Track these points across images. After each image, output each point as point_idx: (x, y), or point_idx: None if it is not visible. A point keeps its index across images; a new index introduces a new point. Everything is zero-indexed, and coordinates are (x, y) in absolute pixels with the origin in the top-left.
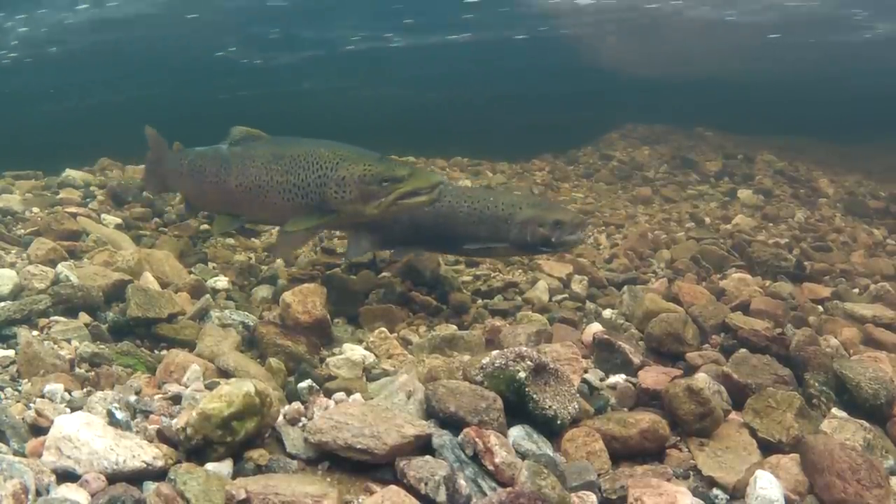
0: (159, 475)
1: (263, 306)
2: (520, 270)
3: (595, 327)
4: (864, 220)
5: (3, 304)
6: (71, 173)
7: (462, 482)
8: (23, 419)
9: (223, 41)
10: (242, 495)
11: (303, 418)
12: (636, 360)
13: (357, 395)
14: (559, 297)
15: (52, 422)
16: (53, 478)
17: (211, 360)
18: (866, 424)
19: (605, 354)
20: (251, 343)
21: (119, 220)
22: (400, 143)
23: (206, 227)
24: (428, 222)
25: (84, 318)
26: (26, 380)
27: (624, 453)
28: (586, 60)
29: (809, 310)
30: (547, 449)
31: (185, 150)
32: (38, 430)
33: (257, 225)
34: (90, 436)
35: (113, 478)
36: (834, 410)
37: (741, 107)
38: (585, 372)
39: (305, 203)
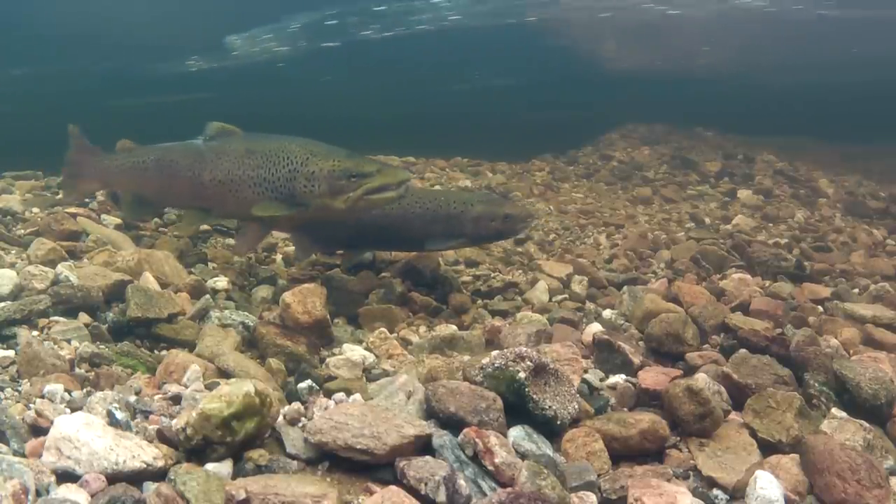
0: (159, 475)
1: (263, 306)
2: (520, 271)
3: (595, 327)
4: (864, 220)
5: (3, 304)
6: None
7: (462, 482)
8: (23, 419)
9: None
10: (242, 495)
11: (303, 419)
12: (636, 360)
13: (357, 396)
14: (559, 297)
15: (51, 422)
16: (53, 478)
17: (211, 360)
18: (866, 424)
19: (605, 355)
20: (251, 343)
21: (119, 221)
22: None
23: (205, 227)
24: (379, 223)
25: (84, 318)
26: (26, 380)
27: (624, 453)
28: None
29: (809, 310)
30: (547, 449)
31: (145, 146)
32: (38, 430)
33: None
34: (90, 436)
35: (113, 478)
36: (834, 410)
37: None
38: (585, 372)
39: (274, 197)
